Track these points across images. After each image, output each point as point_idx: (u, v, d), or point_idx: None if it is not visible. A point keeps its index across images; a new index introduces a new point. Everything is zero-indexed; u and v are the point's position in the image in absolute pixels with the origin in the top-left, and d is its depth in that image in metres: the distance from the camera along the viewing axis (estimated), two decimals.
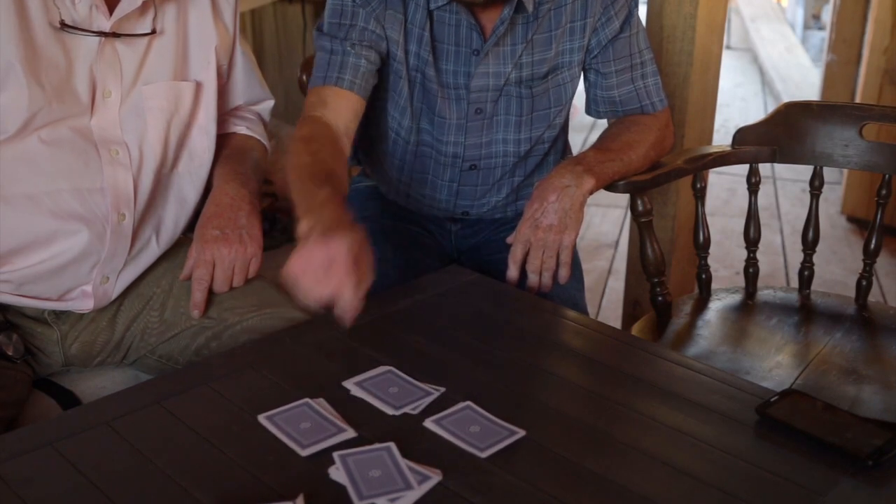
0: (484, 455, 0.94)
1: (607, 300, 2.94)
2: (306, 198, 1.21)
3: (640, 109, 1.58)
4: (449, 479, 0.90)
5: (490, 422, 1.00)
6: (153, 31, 1.31)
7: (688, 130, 2.06)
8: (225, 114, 1.50)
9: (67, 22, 1.21)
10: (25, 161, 1.22)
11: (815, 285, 1.77)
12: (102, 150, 1.28)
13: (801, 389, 1.15)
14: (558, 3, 1.48)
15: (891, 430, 0.96)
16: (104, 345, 1.38)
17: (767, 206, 3.65)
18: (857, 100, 3.41)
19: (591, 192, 1.46)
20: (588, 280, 2.89)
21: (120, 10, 1.25)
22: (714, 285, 1.77)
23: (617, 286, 2.93)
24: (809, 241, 1.73)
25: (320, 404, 1.02)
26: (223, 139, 1.48)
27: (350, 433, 0.97)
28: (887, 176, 1.64)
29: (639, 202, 1.60)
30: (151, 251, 1.38)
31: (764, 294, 1.75)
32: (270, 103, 1.60)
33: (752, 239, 1.75)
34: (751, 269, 1.75)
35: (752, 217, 1.74)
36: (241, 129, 1.53)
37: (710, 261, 1.74)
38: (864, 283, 1.71)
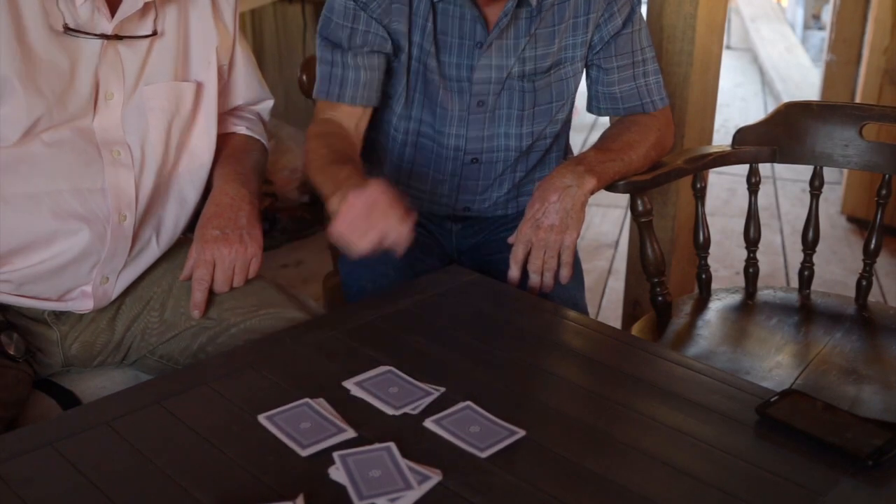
0: (484, 455, 0.94)
1: (607, 300, 2.94)
2: (331, 179, 1.31)
3: (641, 107, 1.58)
4: (449, 479, 0.90)
5: (490, 422, 1.00)
6: (154, 33, 1.31)
7: (688, 130, 2.06)
8: (225, 114, 1.50)
9: (70, 25, 1.21)
10: (26, 162, 1.22)
11: (815, 285, 1.77)
12: (104, 151, 1.28)
13: (801, 389, 1.15)
14: None
15: (891, 430, 0.96)
16: (104, 345, 1.38)
17: (767, 206, 3.65)
18: (857, 100, 3.41)
19: (593, 192, 1.46)
20: (588, 280, 2.90)
21: (122, 13, 1.25)
22: (714, 285, 1.77)
23: (617, 286, 2.93)
24: (809, 241, 1.73)
25: (320, 404, 1.02)
26: (223, 139, 1.48)
27: (350, 433, 0.97)
28: (887, 176, 1.64)
29: (639, 202, 1.60)
30: (151, 252, 1.38)
31: (764, 294, 1.75)
32: (270, 103, 1.60)
33: (752, 239, 1.75)
34: (751, 269, 1.76)
35: (752, 217, 1.74)
36: (241, 129, 1.53)
37: (710, 261, 1.74)
38: (864, 283, 1.71)
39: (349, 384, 1.07)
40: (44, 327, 1.34)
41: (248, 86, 1.53)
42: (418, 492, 0.88)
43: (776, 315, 1.67)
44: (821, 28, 6.33)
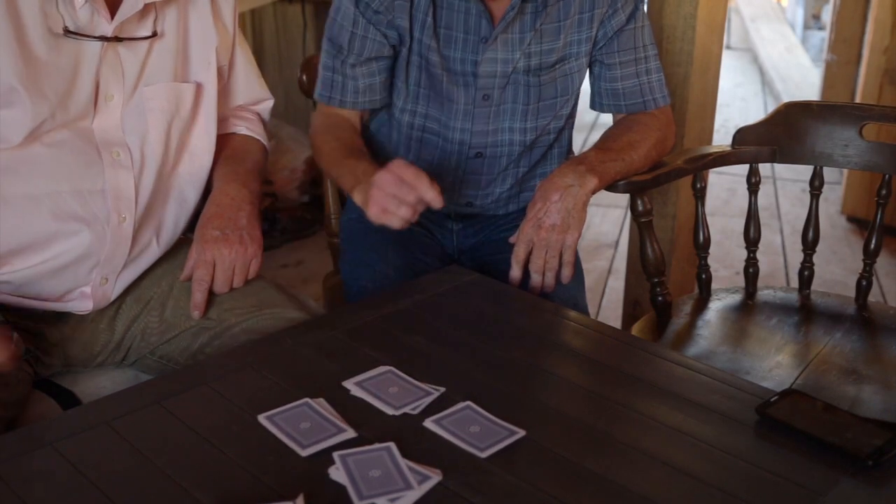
0: (484, 455, 0.94)
1: (607, 300, 2.95)
2: (349, 172, 1.43)
3: (643, 104, 1.58)
4: (449, 479, 0.90)
5: (490, 422, 1.00)
6: (154, 34, 1.31)
7: (688, 130, 2.07)
8: (225, 114, 1.50)
9: (70, 28, 1.21)
10: (26, 163, 1.22)
11: (815, 285, 1.77)
12: (104, 152, 1.28)
13: (801, 389, 1.15)
14: None
15: (891, 430, 0.96)
16: (104, 346, 1.38)
17: (767, 206, 3.65)
18: (857, 100, 3.41)
19: (594, 192, 1.46)
20: (588, 280, 2.90)
21: (121, 14, 1.25)
22: (714, 285, 1.77)
23: (617, 286, 2.93)
24: (809, 241, 1.73)
25: (320, 404, 1.02)
26: (223, 140, 1.48)
27: (350, 433, 0.97)
28: (887, 176, 1.64)
29: (639, 202, 1.60)
30: (151, 252, 1.38)
31: (764, 294, 1.75)
32: (270, 103, 1.60)
33: (752, 239, 1.75)
34: (751, 269, 1.76)
35: (752, 217, 1.74)
36: (241, 129, 1.53)
37: (710, 261, 1.74)
38: (864, 283, 1.71)
39: (349, 384, 1.07)
40: (44, 327, 1.33)
41: (247, 86, 1.53)
42: (418, 492, 0.88)
43: (776, 315, 1.67)
44: (821, 28, 6.34)
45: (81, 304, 1.33)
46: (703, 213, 1.71)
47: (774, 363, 1.51)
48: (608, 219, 3.57)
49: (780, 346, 1.57)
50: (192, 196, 1.42)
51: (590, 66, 1.59)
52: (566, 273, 1.44)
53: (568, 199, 1.42)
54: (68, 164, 1.25)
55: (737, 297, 1.74)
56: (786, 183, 3.95)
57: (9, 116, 1.18)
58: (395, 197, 1.26)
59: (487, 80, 1.51)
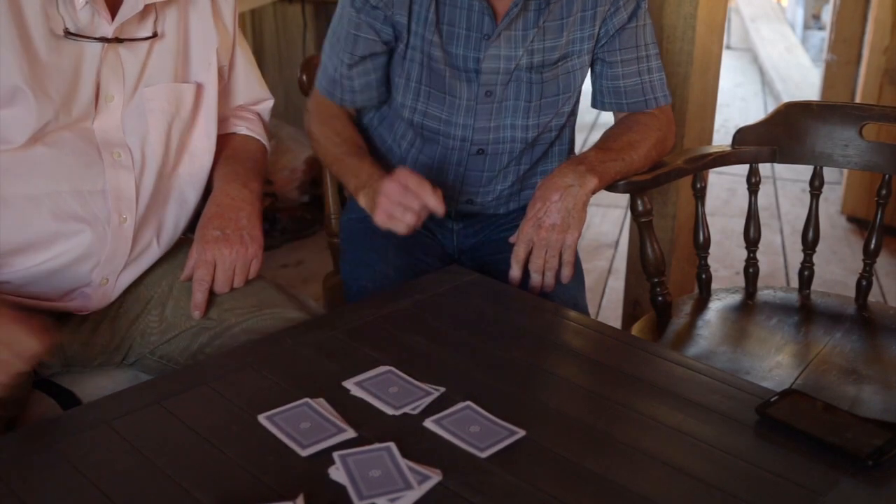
0: (484, 455, 0.94)
1: (607, 300, 2.95)
2: (353, 173, 1.50)
3: (644, 103, 1.58)
4: (449, 479, 0.90)
5: (490, 422, 1.00)
6: (154, 35, 1.31)
7: (688, 130, 2.07)
8: (225, 114, 1.50)
9: (71, 29, 1.21)
10: (27, 163, 1.22)
11: (815, 285, 1.77)
12: (105, 153, 1.28)
13: (801, 389, 1.15)
14: None
15: (891, 430, 0.96)
16: (104, 346, 1.38)
17: (767, 206, 3.65)
18: (857, 100, 3.41)
19: (594, 192, 1.46)
20: (588, 280, 2.90)
21: (122, 15, 1.25)
22: (714, 285, 1.77)
23: (617, 286, 2.93)
24: (809, 241, 1.73)
25: (320, 404, 1.02)
26: (223, 140, 1.48)
27: (350, 433, 0.97)
28: (887, 176, 1.64)
29: (639, 202, 1.60)
30: (152, 252, 1.38)
31: (764, 294, 1.75)
32: (270, 103, 1.60)
33: (752, 239, 1.75)
34: (751, 269, 1.76)
35: (752, 217, 1.74)
36: (241, 129, 1.53)
37: (710, 261, 1.74)
38: (864, 283, 1.71)
39: (349, 384, 1.07)
40: None
41: (247, 86, 1.54)
42: (418, 492, 0.88)
43: (776, 315, 1.67)
44: (821, 28, 6.34)
45: (82, 304, 1.33)
46: (703, 213, 1.71)
47: (774, 363, 1.51)
48: (608, 219, 3.57)
49: (780, 346, 1.57)
50: (193, 196, 1.42)
51: (591, 64, 1.59)
52: (566, 273, 1.44)
53: (568, 198, 1.42)
54: (69, 165, 1.25)
55: (737, 297, 1.74)
56: (786, 183, 3.95)
57: (13, 117, 1.18)
58: (400, 204, 1.33)
59: (490, 77, 1.51)
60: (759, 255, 1.77)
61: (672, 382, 1.10)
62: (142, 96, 1.31)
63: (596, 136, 1.65)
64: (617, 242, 3.37)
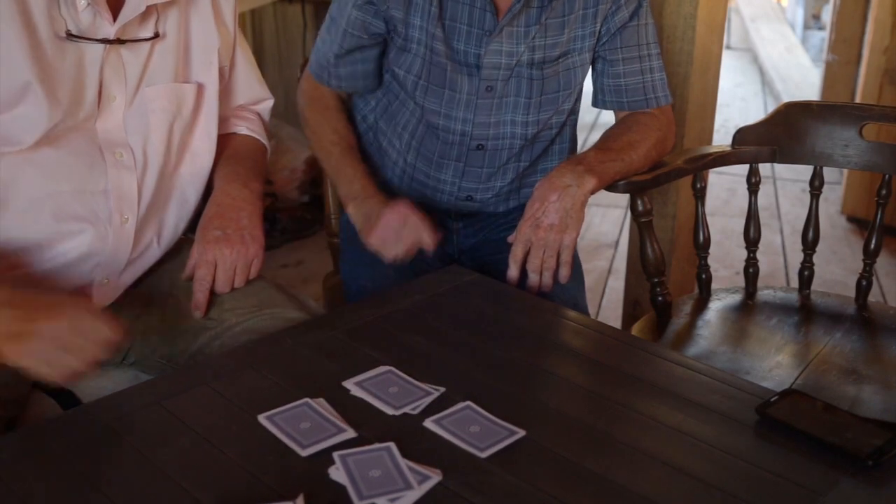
0: (484, 455, 0.94)
1: (607, 300, 2.95)
2: (346, 180, 1.56)
3: (645, 102, 1.58)
4: (449, 479, 0.90)
5: (490, 422, 1.00)
6: (156, 35, 1.31)
7: (688, 130, 2.07)
8: (225, 114, 1.50)
9: (73, 31, 1.21)
10: (31, 164, 1.22)
11: (815, 285, 1.77)
12: (107, 153, 1.28)
13: (801, 389, 1.15)
14: None
15: (891, 430, 0.96)
16: None
17: (767, 206, 3.65)
18: (857, 100, 3.41)
19: (593, 192, 1.46)
20: (588, 280, 2.90)
21: (124, 17, 1.25)
22: (714, 285, 1.77)
23: (617, 286, 2.93)
24: (809, 241, 1.73)
25: (320, 404, 1.02)
26: (224, 140, 1.48)
27: (350, 433, 0.97)
28: (887, 176, 1.64)
29: (639, 202, 1.60)
30: (152, 253, 1.38)
31: (764, 294, 1.75)
32: (270, 102, 1.60)
33: (752, 239, 1.75)
34: (751, 269, 1.76)
35: (752, 217, 1.74)
36: (241, 129, 1.53)
37: (710, 261, 1.74)
38: (864, 283, 1.71)
39: (349, 384, 1.07)
40: None
41: (248, 86, 1.54)
42: (418, 492, 0.88)
43: (776, 315, 1.67)
44: (821, 28, 6.34)
45: None
46: (703, 213, 1.71)
47: (774, 363, 1.51)
48: (608, 219, 3.57)
49: (780, 346, 1.57)
50: (193, 196, 1.42)
51: (593, 62, 1.60)
52: (564, 273, 1.44)
53: (566, 199, 1.42)
54: (71, 165, 1.25)
55: (737, 297, 1.74)
56: (786, 183, 3.95)
57: (24, 117, 1.18)
58: (397, 235, 1.42)
59: (491, 72, 1.51)
60: (759, 255, 1.77)
61: (672, 382, 1.10)
62: (143, 96, 1.31)
63: (596, 136, 1.65)
64: (617, 242, 3.37)
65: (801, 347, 1.57)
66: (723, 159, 1.70)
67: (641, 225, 1.62)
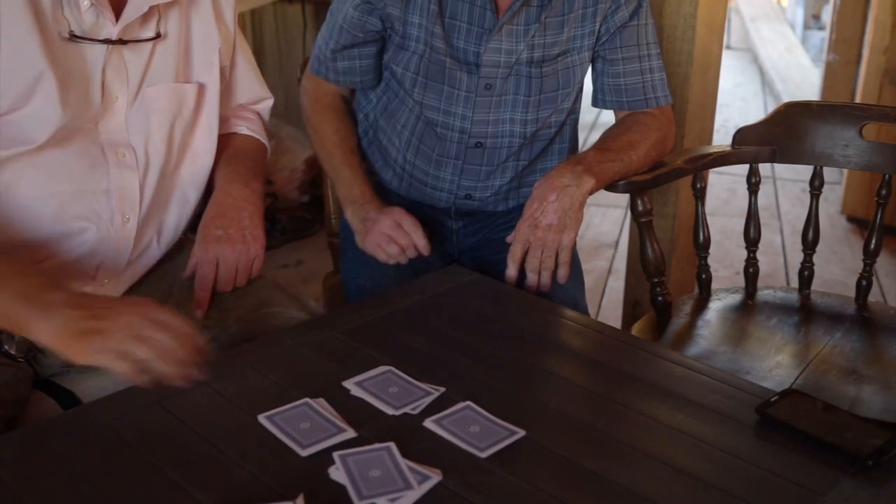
0: (484, 455, 0.94)
1: (607, 300, 2.94)
2: (346, 185, 1.59)
3: (645, 102, 1.58)
4: (449, 479, 0.90)
5: (490, 422, 1.00)
6: (158, 35, 1.31)
7: (688, 130, 2.07)
8: (226, 114, 1.50)
9: (76, 32, 1.21)
10: (32, 164, 1.22)
11: (815, 285, 1.77)
12: (109, 153, 1.28)
13: (801, 389, 1.15)
14: None
15: (891, 430, 0.96)
16: None
17: (767, 206, 3.65)
18: (857, 100, 3.41)
19: (592, 192, 1.46)
20: (588, 280, 2.90)
21: (126, 17, 1.25)
22: (714, 285, 1.77)
23: (617, 286, 2.93)
24: (809, 241, 1.73)
25: (320, 404, 1.02)
26: (224, 140, 1.48)
27: (350, 433, 0.97)
28: (887, 176, 1.64)
29: (639, 202, 1.60)
30: (153, 253, 1.38)
31: (764, 294, 1.75)
32: (270, 102, 1.60)
33: (752, 239, 1.75)
34: (751, 269, 1.76)
35: (752, 217, 1.74)
36: (241, 129, 1.54)
37: (710, 261, 1.74)
38: (864, 283, 1.71)
39: (349, 384, 1.07)
40: None
41: (248, 85, 1.54)
42: (418, 492, 0.88)
43: (776, 315, 1.67)
44: (821, 28, 6.34)
45: None
46: (703, 213, 1.71)
47: (774, 363, 1.51)
48: (608, 219, 3.57)
49: (780, 346, 1.57)
50: (194, 196, 1.42)
51: (593, 61, 1.60)
52: (562, 273, 1.44)
53: (565, 199, 1.42)
54: (74, 166, 1.25)
55: (737, 297, 1.74)
56: (786, 183, 3.95)
57: (37, 115, 1.18)
58: (390, 238, 1.47)
59: (490, 70, 1.52)
60: (759, 255, 1.77)
61: (672, 382, 1.10)
62: (145, 96, 1.31)
63: (596, 136, 1.65)
64: (617, 242, 3.37)
65: (801, 347, 1.57)
66: (723, 159, 1.70)
67: (641, 225, 1.62)
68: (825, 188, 1.76)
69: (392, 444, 0.94)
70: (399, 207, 1.50)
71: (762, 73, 5.92)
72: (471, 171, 1.61)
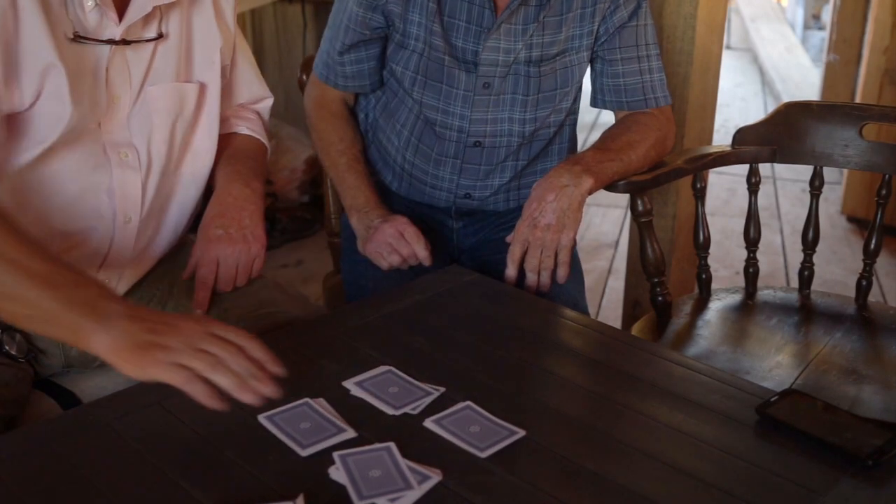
0: (484, 455, 0.94)
1: (607, 300, 2.95)
2: (351, 193, 1.59)
3: (644, 102, 1.58)
4: (449, 479, 0.90)
5: (490, 422, 1.00)
6: (160, 35, 1.31)
7: (688, 130, 2.07)
8: (226, 114, 1.50)
9: (80, 33, 1.21)
10: (38, 165, 1.22)
11: (815, 285, 1.77)
12: (112, 153, 1.28)
13: (801, 389, 1.15)
14: None
15: (891, 430, 0.96)
16: None
17: (767, 206, 3.65)
18: (857, 100, 3.41)
19: (590, 192, 1.46)
20: (588, 280, 2.90)
21: (130, 17, 1.25)
22: (714, 285, 1.77)
23: (617, 286, 2.93)
24: (809, 241, 1.74)
25: (320, 404, 1.02)
26: (224, 139, 1.48)
27: (350, 433, 0.97)
28: (887, 176, 1.64)
29: (639, 202, 1.60)
30: (153, 253, 1.38)
31: (764, 294, 1.75)
32: (270, 101, 1.60)
33: (752, 239, 1.75)
34: (751, 269, 1.76)
35: (752, 217, 1.74)
36: (242, 129, 1.53)
37: (710, 261, 1.74)
38: (864, 283, 1.71)
39: (349, 384, 1.07)
40: None
41: (248, 84, 1.54)
42: (418, 492, 0.88)
43: (776, 315, 1.67)
44: (821, 28, 6.34)
45: None
46: (703, 213, 1.71)
47: (774, 363, 1.51)
48: (608, 219, 3.57)
49: (780, 346, 1.57)
50: (194, 196, 1.42)
51: (592, 61, 1.60)
52: (561, 273, 1.44)
53: (563, 199, 1.42)
54: (77, 166, 1.25)
55: (737, 297, 1.74)
56: (786, 183, 3.95)
57: (49, 114, 1.18)
58: (391, 247, 1.47)
59: (488, 69, 1.52)
60: (759, 255, 1.77)
61: (672, 382, 1.10)
62: (147, 96, 1.31)
63: (596, 136, 1.65)
64: (617, 242, 3.37)
65: (801, 347, 1.57)
66: (723, 159, 1.70)
67: (641, 225, 1.62)
68: (825, 188, 1.76)
69: (392, 444, 0.94)
70: (403, 217, 1.50)
71: (762, 73, 5.92)
72: (470, 171, 1.61)
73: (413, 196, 1.66)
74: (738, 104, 5.28)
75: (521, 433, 0.98)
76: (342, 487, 0.89)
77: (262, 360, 1.00)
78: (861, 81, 3.39)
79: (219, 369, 0.97)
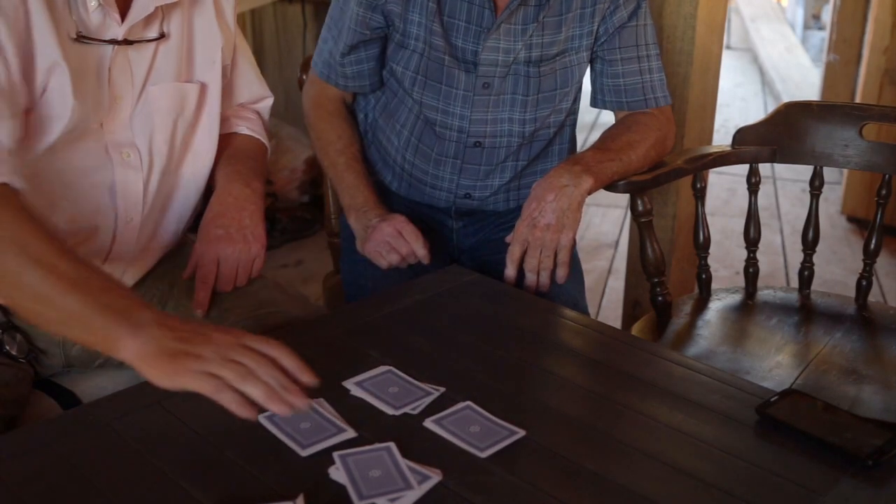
0: (484, 455, 0.94)
1: (607, 300, 2.95)
2: (350, 193, 1.58)
3: (644, 102, 1.58)
4: (449, 479, 0.90)
5: (490, 422, 1.00)
6: (162, 35, 1.31)
7: (688, 130, 2.07)
8: (226, 114, 1.50)
9: (84, 33, 1.21)
10: (41, 166, 1.22)
11: (815, 285, 1.77)
12: (114, 153, 1.28)
13: (801, 389, 1.15)
14: None
15: (891, 430, 0.96)
16: None
17: (767, 206, 3.65)
18: (857, 100, 3.41)
19: (590, 192, 1.46)
20: (588, 280, 2.90)
21: (132, 17, 1.25)
22: (714, 285, 1.77)
23: (617, 286, 2.93)
24: (809, 241, 1.74)
25: (320, 404, 1.02)
26: (224, 139, 1.48)
27: (350, 433, 0.97)
28: (887, 176, 1.64)
29: (639, 202, 1.60)
30: (153, 252, 1.38)
31: (764, 294, 1.75)
32: (270, 101, 1.60)
33: (752, 239, 1.75)
34: (751, 269, 1.76)
35: (752, 217, 1.74)
36: (242, 129, 1.53)
37: (710, 261, 1.74)
38: (864, 283, 1.71)
39: (349, 384, 1.07)
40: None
41: (248, 84, 1.54)
42: (418, 492, 0.88)
43: (776, 315, 1.67)
44: (821, 28, 6.34)
45: None
46: (703, 213, 1.71)
47: (774, 363, 1.51)
48: (608, 219, 3.57)
49: (780, 346, 1.57)
50: (194, 196, 1.42)
51: (592, 62, 1.60)
52: (561, 273, 1.44)
53: (563, 199, 1.42)
54: (79, 166, 1.25)
55: (737, 297, 1.74)
56: (786, 183, 3.95)
57: (52, 110, 1.18)
58: (390, 246, 1.47)
59: (488, 69, 1.52)
60: (759, 255, 1.77)
61: (672, 382, 1.10)
62: (148, 96, 1.31)
63: (596, 136, 1.65)
64: (617, 242, 3.37)
65: (801, 347, 1.57)
66: (723, 159, 1.70)
67: (641, 225, 1.62)
68: (825, 188, 1.76)
69: (392, 444, 0.94)
70: (401, 215, 1.49)
71: (762, 73, 5.92)
72: (470, 171, 1.61)
73: (413, 196, 1.66)
74: (738, 104, 5.28)
75: (521, 433, 0.98)
76: (342, 487, 0.89)
77: (293, 369, 0.99)
78: (861, 81, 3.39)
79: (249, 380, 0.95)
